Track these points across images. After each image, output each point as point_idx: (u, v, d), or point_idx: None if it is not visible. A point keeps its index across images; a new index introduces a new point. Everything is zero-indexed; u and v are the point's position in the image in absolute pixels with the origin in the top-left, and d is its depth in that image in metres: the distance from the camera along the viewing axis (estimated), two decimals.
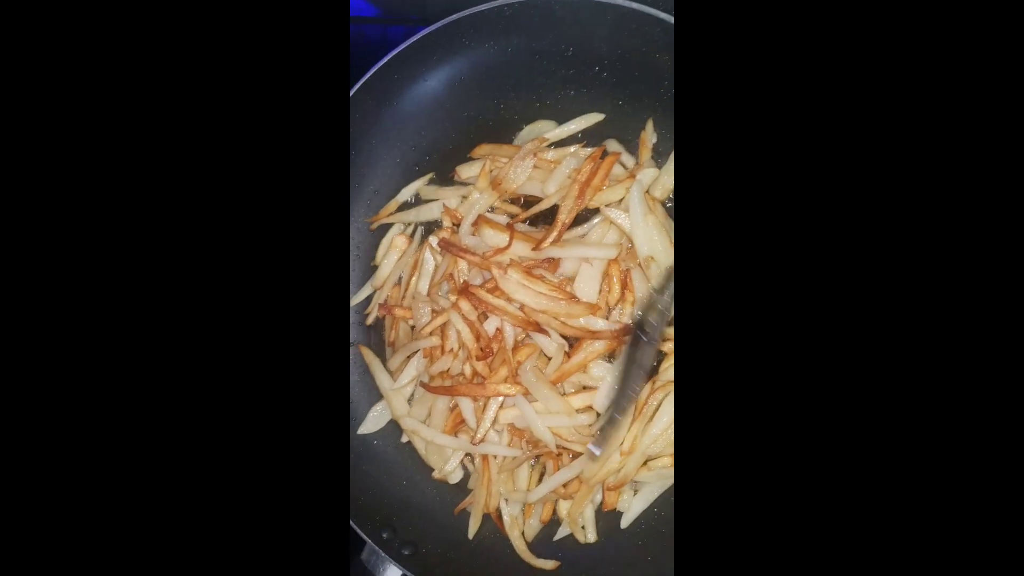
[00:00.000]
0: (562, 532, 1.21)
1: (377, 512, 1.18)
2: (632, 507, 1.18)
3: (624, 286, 1.14)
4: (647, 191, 1.15)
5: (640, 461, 1.14)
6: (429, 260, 1.23)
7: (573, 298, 1.12)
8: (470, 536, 1.20)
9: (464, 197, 1.22)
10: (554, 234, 1.13)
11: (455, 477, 1.23)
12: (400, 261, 1.24)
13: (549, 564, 1.18)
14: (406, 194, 1.25)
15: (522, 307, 1.12)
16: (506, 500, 1.20)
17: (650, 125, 1.17)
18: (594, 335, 1.11)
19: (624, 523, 1.19)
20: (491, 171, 1.20)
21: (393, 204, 1.25)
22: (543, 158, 1.19)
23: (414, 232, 1.26)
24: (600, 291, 1.14)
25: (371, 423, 1.25)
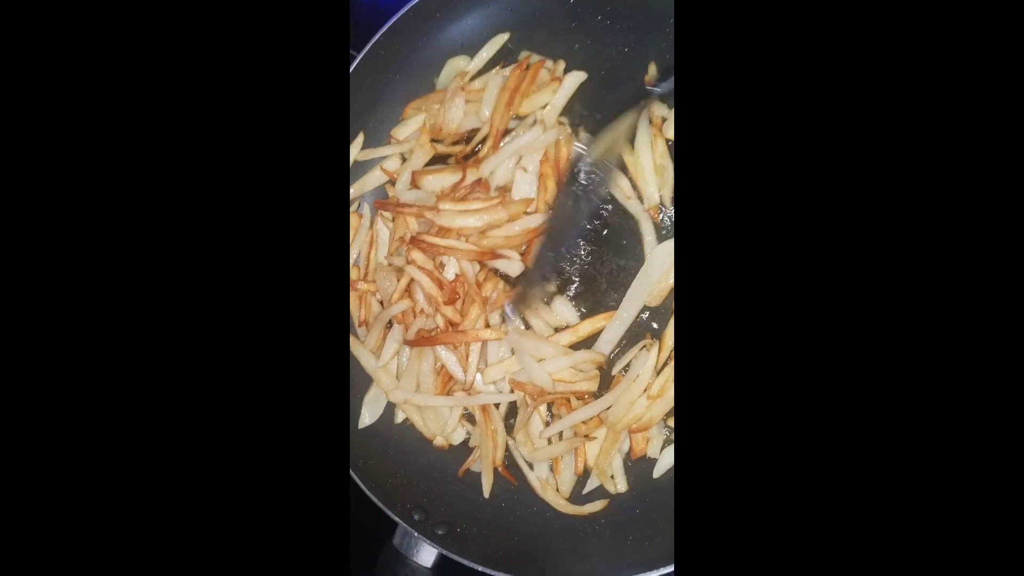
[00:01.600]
0: (592, 484, 1.16)
1: (407, 494, 1.14)
2: (664, 458, 1.14)
3: (559, 181, 1.12)
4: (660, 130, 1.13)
5: (667, 407, 1.10)
6: (383, 230, 1.20)
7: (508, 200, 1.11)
8: (485, 495, 1.15)
9: (404, 157, 1.20)
10: (490, 143, 1.12)
11: (457, 438, 1.18)
12: (356, 240, 1.20)
13: (597, 505, 1.14)
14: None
15: (469, 239, 1.10)
16: (531, 465, 1.15)
17: (652, 68, 1.14)
18: (534, 232, 1.09)
19: (656, 473, 1.14)
20: (429, 123, 1.18)
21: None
22: (471, 90, 1.17)
23: (359, 207, 1.22)
24: (538, 192, 1.12)
25: (368, 412, 1.20)
